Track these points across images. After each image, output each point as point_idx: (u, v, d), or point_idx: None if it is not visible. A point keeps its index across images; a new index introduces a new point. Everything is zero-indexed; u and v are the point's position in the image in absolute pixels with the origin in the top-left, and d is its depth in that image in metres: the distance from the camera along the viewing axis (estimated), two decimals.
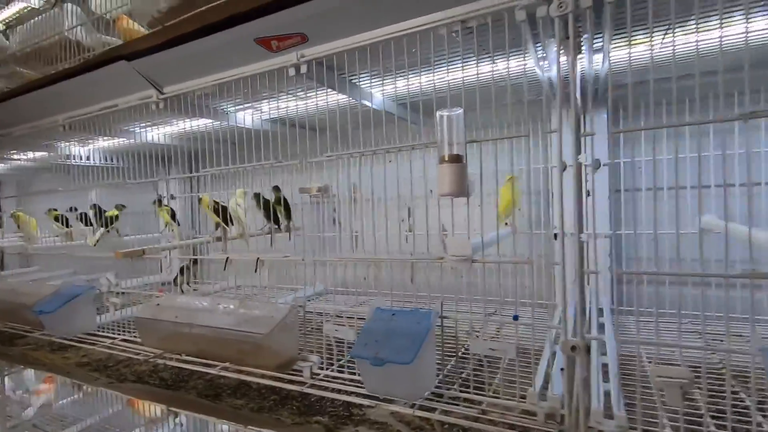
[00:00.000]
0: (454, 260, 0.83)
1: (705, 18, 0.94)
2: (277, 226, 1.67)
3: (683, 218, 1.31)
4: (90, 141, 1.93)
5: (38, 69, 1.58)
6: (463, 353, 1.10)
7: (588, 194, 1.55)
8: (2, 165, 2.66)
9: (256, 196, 1.66)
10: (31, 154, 2.33)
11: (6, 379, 2.23)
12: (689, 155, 1.29)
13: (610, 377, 0.87)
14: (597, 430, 0.73)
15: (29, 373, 2.43)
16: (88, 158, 1.99)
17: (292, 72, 1.01)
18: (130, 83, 1.28)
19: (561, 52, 0.75)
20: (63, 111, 1.56)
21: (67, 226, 2.02)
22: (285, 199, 1.66)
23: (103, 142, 1.97)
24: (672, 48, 0.74)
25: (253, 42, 1.03)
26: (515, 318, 0.79)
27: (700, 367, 0.72)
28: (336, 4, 0.90)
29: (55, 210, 2.06)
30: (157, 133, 1.76)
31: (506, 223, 1.33)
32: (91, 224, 1.86)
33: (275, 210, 1.65)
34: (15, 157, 2.42)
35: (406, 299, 1.26)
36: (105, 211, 1.86)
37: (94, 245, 1.65)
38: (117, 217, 1.86)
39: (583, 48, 1.04)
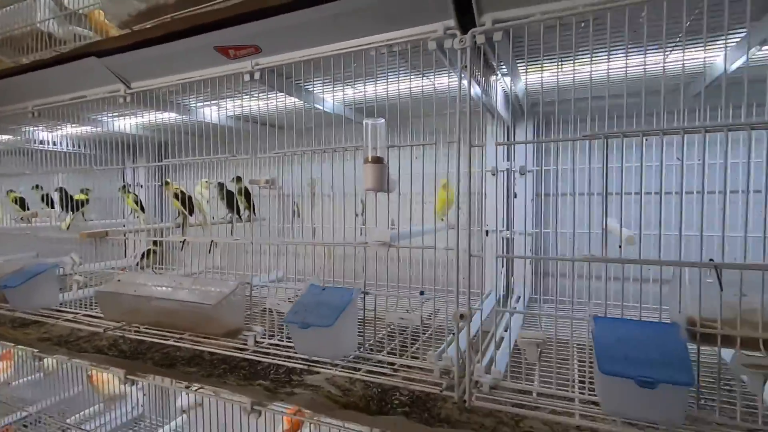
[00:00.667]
0: (374, 245, 1.00)
1: (596, 51, 1.15)
2: (238, 216, 1.81)
3: (593, 220, 1.53)
4: (58, 127, 2.00)
5: (10, 56, 1.66)
6: (389, 327, 1.28)
7: (515, 196, 1.77)
8: None
9: (220, 185, 1.79)
10: None
11: None
12: (596, 166, 1.51)
13: (501, 347, 1.07)
14: (476, 381, 0.92)
15: None
16: (55, 144, 2.06)
17: (247, 78, 1.16)
18: (99, 77, 1.39)
19: (463, 76, 0.93)
20: (33, 98, 1.64)
21: (25, 209, 2.08)
22: (247, 190, 1.79)
23: (72, 129, 2.04)
24: (572, 75, 0.91)
25: (213, 49, 1.17)
26: (421, 293, 0.97)
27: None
28: (285, 23, 1.05)
29: (14, 191, 2.10)
30: (125, 123, 1.86)
31: (442, 219, 1.54)
32: (53, 207, 1.93)
33: (236, 200, 1.78)
34: None
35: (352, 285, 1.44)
36: (71, 196, 1.94)
37: (67, 228, 1.73)
38: (87, 201, 1.94)
39: (499, 71, 1.23)
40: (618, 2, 0.78)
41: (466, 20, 0.93)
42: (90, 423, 2.20)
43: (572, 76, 0.95)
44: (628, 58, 0.88)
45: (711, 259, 0.75)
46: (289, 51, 1.13)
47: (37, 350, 1.56)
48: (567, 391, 0.90)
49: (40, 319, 1.58)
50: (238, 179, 1.78)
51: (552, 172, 1.62)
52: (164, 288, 1.18)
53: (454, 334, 0.94)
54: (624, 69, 0.86)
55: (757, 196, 0.79)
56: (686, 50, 1.08)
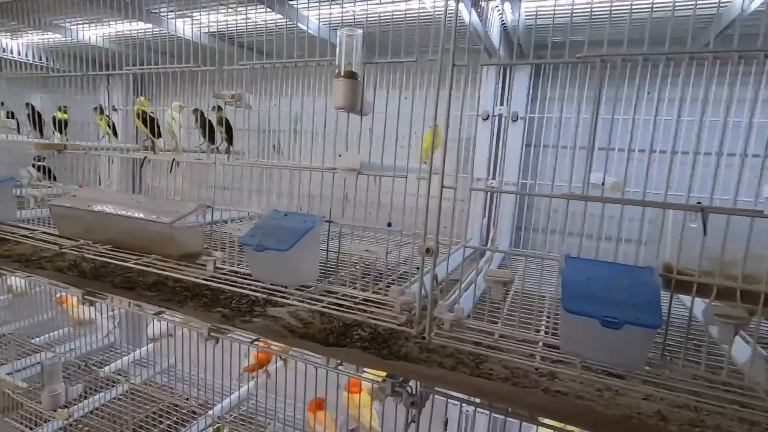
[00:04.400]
0: (343, 171, 0.93)
1: None
2: (213, 146, 1.70)
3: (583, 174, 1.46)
4: (20, 33, 1.84)
5: None
6: (356, 261, 1.23)
7: (503, 145, 1.68)
8: None
9: (195, 111, 1.67)
10: None
11: None
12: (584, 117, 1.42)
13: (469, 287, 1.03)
14: (437, 318, 0.88)
15: None
16: (19, 53, 1.91)
17: None
18: None
19: None
20: None
21: None
22: (227, 121, 1.68)
23: (37, 38, 1.88)
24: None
25: None
26: (389, 225, 0.90)
27: None
28: None
29: None
30: (92, 34, 1.71)
31: (425, 162, 1.46)
32: (14, 118, 1.81)
33: (213, 129, 1.67)
34: None
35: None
36: (40, 114, 1.81)
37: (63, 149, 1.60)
38: (68, 120, 1.81)
39: None
40: None
41: None
42: (61, 347, 2.19)
43: (578, 6, 0.85)
44: None
45: (698, 202, 0.69)
46: None
47: None
48: (530, 333, 0.87)
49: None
50: (219, 108, 1.67)
51: (546, 120, 1.53)
52: (120, 206, 1.10)
53: (417, 267, 0.89)
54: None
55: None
56: None
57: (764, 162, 0.69)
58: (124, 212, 1.07)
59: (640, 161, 1.30)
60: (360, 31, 0.88)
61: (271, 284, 0.99)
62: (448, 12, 0.80)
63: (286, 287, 0.99)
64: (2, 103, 1.96)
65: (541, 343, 0.85)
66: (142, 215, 1.05)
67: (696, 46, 1.22)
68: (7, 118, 1.96)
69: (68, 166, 1.66)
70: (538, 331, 0.89)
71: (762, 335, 0.90)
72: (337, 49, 0.87)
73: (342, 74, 0.87)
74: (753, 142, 0.77)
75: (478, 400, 0.91)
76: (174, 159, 1.09)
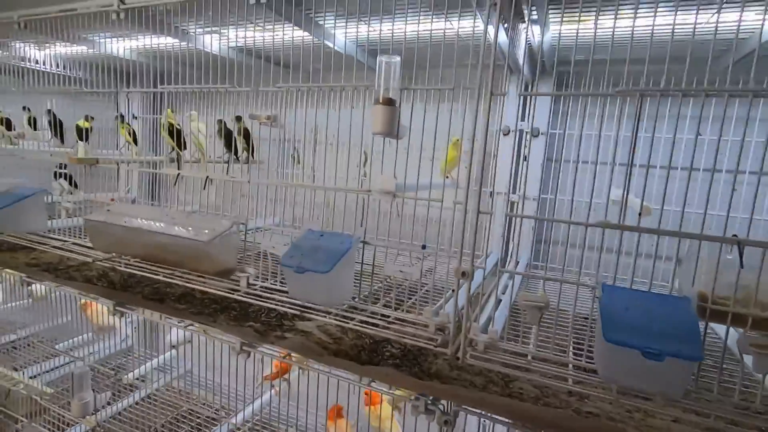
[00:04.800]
0: (378, 193, 0.95)
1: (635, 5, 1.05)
2: (235, 157, 1.73)
3: (602, 190, 1.48)
4: (47, 45, 1.87)
5: None
6: (387, 280, 1.26)
7: (525, 159, 1.70)
8: None
9: (219, 123, 1.70)
10: None
11: None
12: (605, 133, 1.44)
13: (499, 308, 1.05)
14: (471, 340, 0.90)
15: None
16: (44, 63, 1.94)
17: (252, 0, 1.06)
18: None
19: (490, 17, 0.84)
20: (19, 7, 1.51)
21: (9, 129, 1.97)
22: (246, 131, 1.71)
23: (63, 49, 1.91)
24: (595, 32, 0.83)
25: None
26: (423, 247, 0.93)
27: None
28: None
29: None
30: (119, 47, 1.74)
31: (447, 176, 1.48)
32: (36, 129, 1.83)
33: (236, 140, 1.69)
34: None
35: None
36: (61, 121, 1.84)
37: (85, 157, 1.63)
38: (91, 129, 1.84)
39: (530, 18, 1.13)
40: None
41: None
42: (79, 351, 2.23)
43: (601, 29, 0.87)
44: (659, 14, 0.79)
45: (735, 235, 0.71)
46: None
47: (24, 275, 1.54)
48: (563, 356, 0.89)
49: (28, 245, 1.54)
50: (239, 119, 1.69)
51: (567, 136, 1.55)
52: (156, 221, 1.13)
53: (453, 291, 0.91)
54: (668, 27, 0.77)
55: None
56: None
57: None
58: (160, 229, 1.10)
59: (671, 178, 1.33)
60: (398, 58, 0.90)
61: (308, 302, 1.02)
62: (487, 40, 0.83)
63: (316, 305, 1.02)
64: (28, 108, 1.98)
65: (571, 366, 0.87)
66: (178, 232, 1.07)
67: (719, 65, 1.24)
68: (28, 124, 1.99)
69: (90, 173, 1.69)
70: (566, 352, 0.91)
71: None
72: (376, 76, 0.90)
73: (381, 101, 0.89)
74: None
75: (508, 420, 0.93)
76: (207, 177, 1.12)
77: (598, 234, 0.81)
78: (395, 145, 0.98)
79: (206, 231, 1.05)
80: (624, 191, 0.81)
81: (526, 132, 1.57)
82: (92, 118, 1.80)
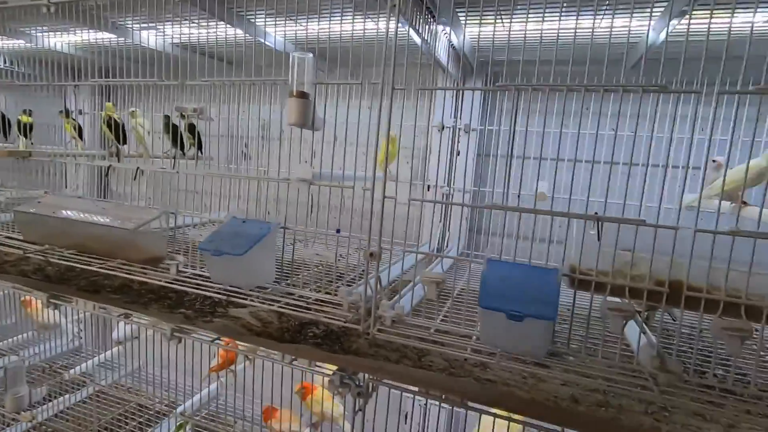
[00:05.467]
0: (296, 181, 1.01)
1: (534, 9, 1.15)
2: (181, 152, 1.75)
3: (529, 184, 1.58)
4: None
5: None
6: (315, 266, 1.32)
7: (458, 154, 1.80)
8: None
9: (166, 118, 1.71)
10: None
11: None
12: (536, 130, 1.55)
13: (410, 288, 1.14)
14: (380, 316, 0.97)
15: None
16: None
17: None
18: None
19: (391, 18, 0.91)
20: None
21: None
22: (193, 125, 1.73)
23: (1, 43, 1.89)
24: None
25: None
26: (337, 231, 0.99)
27: None
28: None
29: None
30: (59, 41, 1.73)
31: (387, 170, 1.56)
32: None
33: (182, 135, 1.71)
34: None
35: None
36: (8, 117, 1.81)
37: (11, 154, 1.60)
38: (32, 124, 1.81)
39: (440, 21, 1.21)
40: None
41: None
42: (25, 351, 2.19)
43: (511, 32, 0.95)
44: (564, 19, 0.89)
45: (595, 213, 0.81)
46: None
47: None
48: (464, 329, 0.97)
49: None
50: (185, 116, 1.71)
51: (495, 132, 1.65)
52: (85, 211, 1.15)
53: (362, 271, 0.98)
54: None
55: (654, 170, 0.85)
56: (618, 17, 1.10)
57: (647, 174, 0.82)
58: (88, 218, 1.12)
59: (586, 170, 1.45)
60: (311, 55, 0.96)
61: (230, 286, 1.07)
62: (388, 37, 0.90)
63: (241, 289, 1.07)
64: None
65: (474, 338, 0.95)
66: (106, 221, 1.10)
67: (622, 66, 1.36)
68: None
69: (33, 170, 1.68)
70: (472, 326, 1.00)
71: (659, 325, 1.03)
72: (290, 71, 0.96)
73: (294, 94, 0.96)
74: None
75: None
76: (138, 168, 1.15)
77: (517, 222, 0.90)
78: (316, 135, 1.05)
79: (133, 220, 1.08)
80: (536, 182, 0.90)
81: (458, 128, 1.67)
82: (31, 110, 1.79)
